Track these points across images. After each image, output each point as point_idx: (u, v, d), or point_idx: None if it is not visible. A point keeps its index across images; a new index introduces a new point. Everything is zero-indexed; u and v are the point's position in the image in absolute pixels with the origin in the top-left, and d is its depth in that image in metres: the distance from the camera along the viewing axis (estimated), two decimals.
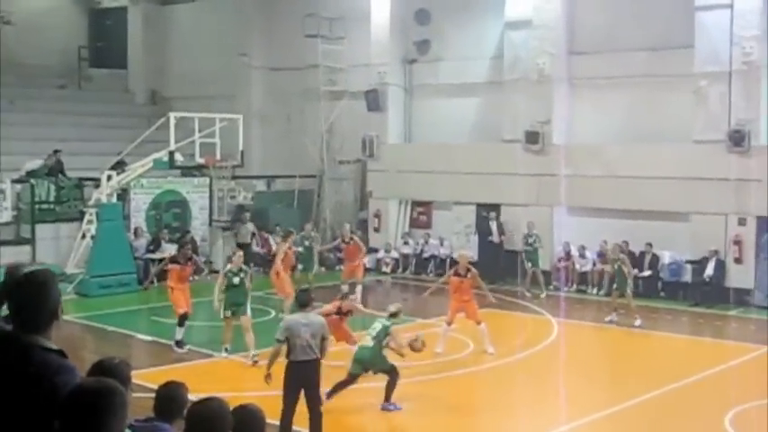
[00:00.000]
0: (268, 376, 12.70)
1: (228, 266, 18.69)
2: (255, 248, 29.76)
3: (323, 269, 28.08)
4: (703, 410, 15.21)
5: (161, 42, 39.47)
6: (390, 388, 14.70)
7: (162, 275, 19.65)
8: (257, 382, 16.36)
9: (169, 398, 5.79)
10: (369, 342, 14.75)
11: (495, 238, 28.95)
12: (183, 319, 18.97)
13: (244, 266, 18.74)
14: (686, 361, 19.28)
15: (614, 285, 22.83)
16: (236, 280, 18.15)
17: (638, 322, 21.93)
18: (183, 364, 17.78)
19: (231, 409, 5.38)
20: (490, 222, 29.08)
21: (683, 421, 14.91)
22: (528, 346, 19.36)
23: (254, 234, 29.77)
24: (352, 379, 14.60)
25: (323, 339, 12.50)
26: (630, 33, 27.22)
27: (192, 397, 5.77)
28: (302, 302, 12.95)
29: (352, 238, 25.21)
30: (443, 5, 31.06)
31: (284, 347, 12.57)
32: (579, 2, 28.50)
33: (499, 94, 29.54)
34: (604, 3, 28.16)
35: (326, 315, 15.06)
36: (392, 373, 14.70)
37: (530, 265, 27.02)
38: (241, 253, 19.83)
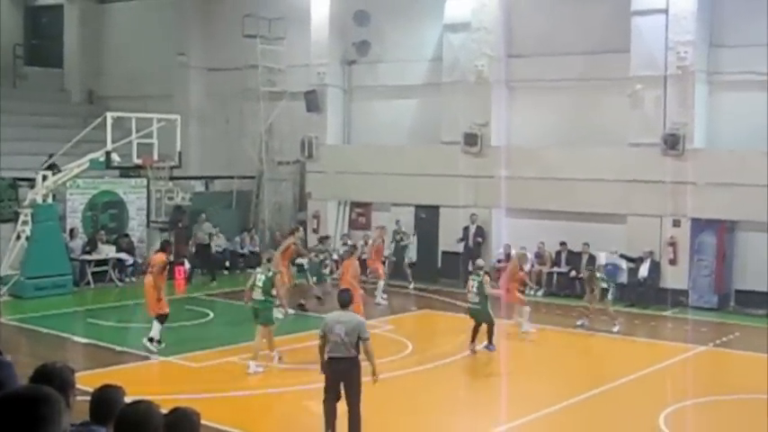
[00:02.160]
0: (322, 365, 12.96)
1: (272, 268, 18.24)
2: (215, 249, 29.75)
3: None
4: (638, 410, 15.38)
5: (98, 41, 38.99)
6: (491, 333, 18.75)
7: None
8: (194, 383, 16.36)
9: (105, 401, 5.70)
10: (475, 299, 18.68)
11: (470, 242, 28.54)
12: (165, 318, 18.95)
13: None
14: (621, 361, 19.52)
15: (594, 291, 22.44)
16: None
17: (616, 328, 21.85)
18: (119, 366, 17.59)
19: (165, 411, 5.32)
20: (471, 226, 28.60)
21: (618, 421, 15.08)
22: (466, 348, 19.38)
23: (211, 234, 29.57)
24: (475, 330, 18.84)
25: (361, 339, 12.62)
26: (568, 37, 27.47)
27: (129, 400, 5.71)
28: (342, 302, 13.09)
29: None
30: (382, 7, 31.06)
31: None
32: (517, 5, 28.68)
33: (438, 97, 29.66)
34: (542, 6, 28.40)
35: None
36: (492, 324, 18.77)
37: (394, 259, 28.78)
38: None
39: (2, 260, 25.75)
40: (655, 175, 25.56)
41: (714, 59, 25.71)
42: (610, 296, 22.09)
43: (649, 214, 25.84)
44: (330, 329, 12.63)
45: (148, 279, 19.23)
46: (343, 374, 12.68)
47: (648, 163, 25.71)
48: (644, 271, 25.61)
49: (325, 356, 12.75)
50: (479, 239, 28.36)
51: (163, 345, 18.67)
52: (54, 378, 5.00)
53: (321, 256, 26.18)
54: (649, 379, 17.59)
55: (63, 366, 5.25)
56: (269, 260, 18.39)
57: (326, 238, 27.69)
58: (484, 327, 18.80)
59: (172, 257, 20.72)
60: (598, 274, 22.43)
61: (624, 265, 26.16)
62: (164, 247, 20.32)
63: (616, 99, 26.50)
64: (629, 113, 26.26)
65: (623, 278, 26.16)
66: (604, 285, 22.03)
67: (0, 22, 38.88)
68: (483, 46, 28.54)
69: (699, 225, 25.35)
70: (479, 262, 19.75)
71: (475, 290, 18.65)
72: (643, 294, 25.52)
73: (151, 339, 18.67)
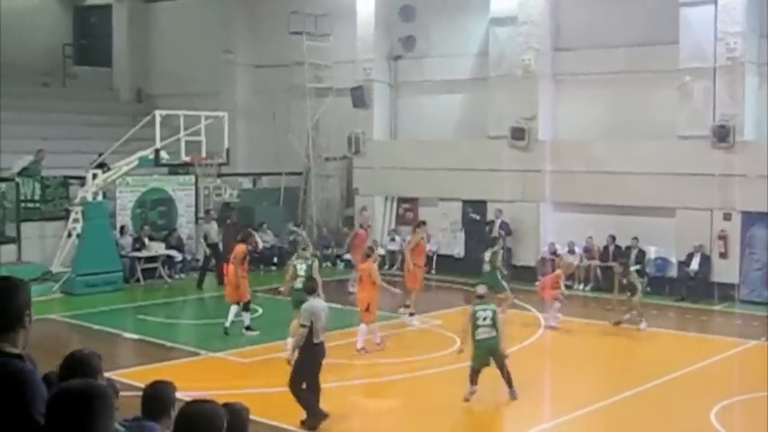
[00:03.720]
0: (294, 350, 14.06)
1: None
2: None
3: None
4: (689, 405, 15.26)
5: (146, 40, 39.34)
6: (510, 377, 15.45)
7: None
8: (243, 379, 16.44)
9: (156, 397, 5.76)
10: (491, 332, 15.41)
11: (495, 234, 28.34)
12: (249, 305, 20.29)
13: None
14: (672, 356, 19.32)
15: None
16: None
17: (643, 325, 21.49)
18: (170, 362, 17.73)
19: None
20: (495, 219, 28.48)
21: (670, 416, 14.95)
22: (515, 342, 19.31)
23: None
24: (477, 372, 15.30)
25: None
26: (615, 29, 27.25)
27: (180, 395, 5.75)
28: (310, 290, 14.40)
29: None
30: (428, 2, 31.03)
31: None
32: None
33: (484, 91, 29.58)
34: None
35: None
36: (503, 361, 15.54)
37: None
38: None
39: (53, 258, 26.10)
40: (704, 168, 25.30)
41: (764, 50, 25.40)
42: (639, 293, 21.76)
43: (699, 207, 25.57)
44: (318, 317, 13.57)
45: (231, 269, 20.09)
46: (323, 357, 13.76)
47: (698, 155, 25.45)
48: (694, 265, 25.38)
49: (314, 342, 13.51)
50: (504, 234, 27.99)
51: (257, 332, 19.82)
52: (81, 364, 5.06)
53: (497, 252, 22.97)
54: (700, 374, 17.45)
55: (90, 353, 5.30)
56: (304, 249, 19.47)
57: (497, 238, 24.51)
58: (493, 369, 15.85)
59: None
60: (631, 268, 22.27)
61: (674, 258, 25.96)
62: (244, 238, 21.07)
63: (664, 91, 26.25)
64: (678, 106, 26.02)
65: (673, 272, 25.99)
66: (633, 280, 21.82)
67: (49, 23, 39.43)
68: (529, 39, 28.40)
69: (750, 218, 25.07)
70: (480, 290, 16.64)
71: (489, 321, 15.70)
72: (693, 289, 25.29)
73: (248, 328, 19.85)
